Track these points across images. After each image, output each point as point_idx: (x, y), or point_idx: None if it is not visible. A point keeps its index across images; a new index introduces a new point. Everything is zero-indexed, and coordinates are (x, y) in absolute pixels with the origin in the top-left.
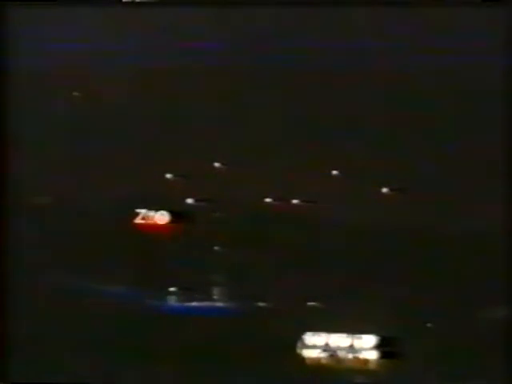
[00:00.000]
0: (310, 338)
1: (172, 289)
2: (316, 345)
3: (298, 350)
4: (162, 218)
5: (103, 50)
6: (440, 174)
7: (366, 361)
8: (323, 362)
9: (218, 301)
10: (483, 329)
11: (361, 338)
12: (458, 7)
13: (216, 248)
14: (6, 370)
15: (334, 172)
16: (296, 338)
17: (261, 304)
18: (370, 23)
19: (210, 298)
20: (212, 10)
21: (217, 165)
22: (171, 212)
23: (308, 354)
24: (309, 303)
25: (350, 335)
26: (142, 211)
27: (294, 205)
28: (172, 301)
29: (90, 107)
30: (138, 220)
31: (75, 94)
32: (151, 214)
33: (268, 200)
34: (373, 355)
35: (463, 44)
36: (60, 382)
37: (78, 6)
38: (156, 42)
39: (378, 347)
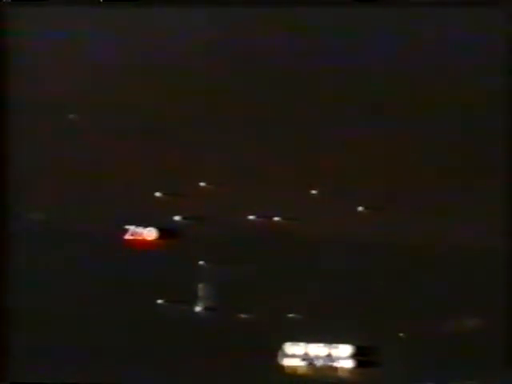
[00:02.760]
0: (289, 347)
1: (160, 301)
2: (295, 354)
3: (279, 359)
4: (150, 234)
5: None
6: (413, 194)
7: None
8: (302, 370)
9: (203, 312)
10: (455, 338)
11: (337, 348)
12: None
13: (201, 263)
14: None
15: (313, 191)
16: (276, 348)
17: (244, 315)
18: None
19: (195, 310)
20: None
21: (203, 184)
22: (159, 228)
23: (288, 362)
24: (289, 315)
25: (328, 345)
26: (131, 227)
27: (276, 222)
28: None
29: (83, 126)
30: (127, 236)
31: (71, 116)
32: (140, 230)
33: (251, 217)
34: (349, 364)
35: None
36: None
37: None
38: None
39: (354, 356)
